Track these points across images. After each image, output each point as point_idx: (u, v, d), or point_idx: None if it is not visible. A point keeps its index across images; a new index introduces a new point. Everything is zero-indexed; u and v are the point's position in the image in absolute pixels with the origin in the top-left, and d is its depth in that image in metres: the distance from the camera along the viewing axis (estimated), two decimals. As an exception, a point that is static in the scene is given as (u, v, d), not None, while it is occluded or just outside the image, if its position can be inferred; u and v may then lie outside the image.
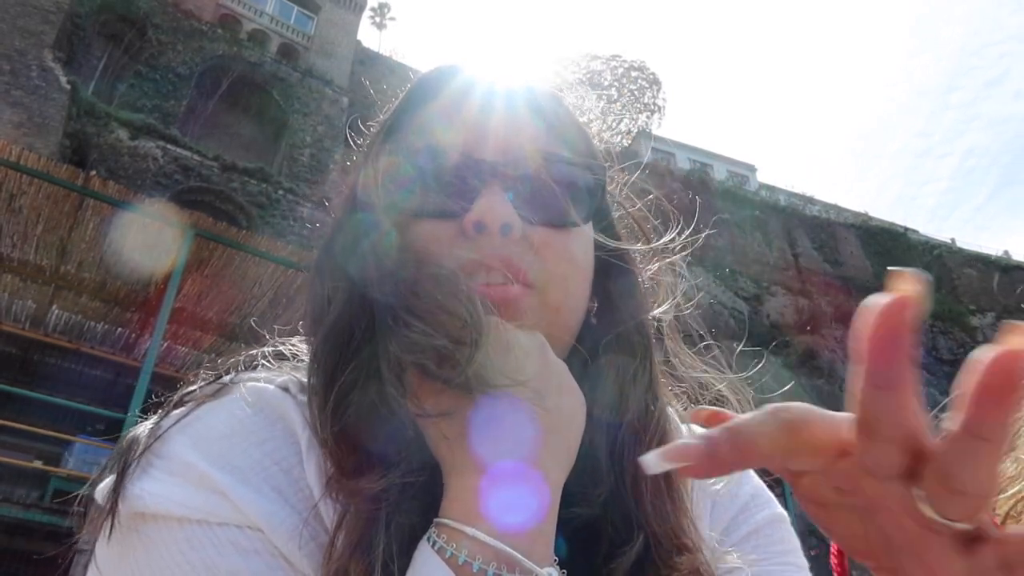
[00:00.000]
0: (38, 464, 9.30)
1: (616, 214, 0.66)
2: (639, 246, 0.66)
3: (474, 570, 0.42)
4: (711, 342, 0.68)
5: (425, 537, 0.44)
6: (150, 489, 0.47)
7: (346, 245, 0.58)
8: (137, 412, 0.58)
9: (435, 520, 0.45)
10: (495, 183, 0.54)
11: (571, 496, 0.51)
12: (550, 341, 0.52)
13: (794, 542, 0.64)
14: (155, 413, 0.56)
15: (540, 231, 0.55)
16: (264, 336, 0.64)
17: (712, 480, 0.64)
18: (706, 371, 0.66)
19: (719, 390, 0.66)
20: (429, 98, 0.61)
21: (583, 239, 0.58)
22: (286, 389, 0.55)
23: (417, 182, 0.56)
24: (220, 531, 0.46)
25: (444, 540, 0.43)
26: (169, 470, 0.48)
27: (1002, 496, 0.99)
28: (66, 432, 9.63)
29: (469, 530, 0.43)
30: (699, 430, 0.68)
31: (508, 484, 0.44)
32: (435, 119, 0.59)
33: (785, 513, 0.66)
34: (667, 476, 0.56)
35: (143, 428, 0.54)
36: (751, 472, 0.66)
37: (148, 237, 7.79)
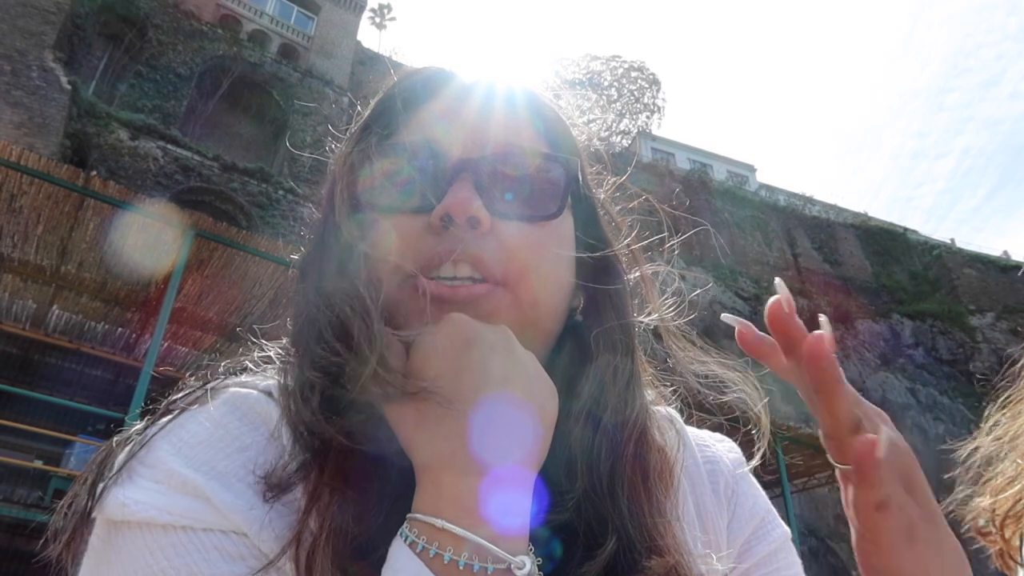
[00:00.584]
0: (38, 464, 9.30)
1: (602, 213, 0.65)
2: (623, 244, 0.65)
3: (445, 561, 0.42)
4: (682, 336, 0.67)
5: (398, 533, 0.44)
6: (134, 496, 0.47)
7: (316, 246, 0.59)
8: (136, 413, 0.58)
9: (407, 516, 0.45)
10: (466, 177, 0.54)
11: (547, 499, 0.51)
12: (527, 336, 0.52)
13: (798, 558, 0.66)
14: (148, 417, 0.56)
15: (511, 225, 0.55)
16: (262, 338, 0.64)
17: (728, 490, 0.65)
18: (716, 365, 0.65)
19: (726, 390, 0.66)
20: (404, 96, 0.61)
21: (560, 234, 0.58)
22: (269, 393, 0.55)
23: (391, 178, 0.56)
24: (205, 537, 0.46)
25: (416, 535, 0.43)
26: (153, 477, 0.48)
27: (1001, 496, 0.99)
28: (67, 432, 9.63)
29: (439, 523, 0.43)
30: (691, 431, 0.68)
31: (480, 477, 0.44)
32: (409, 116, 0.59)
33: (789, 530, 0.67)
34: (644, 476, 0.55)
35: (126, 435, 0.54)
36: (760, 488, 0.68)
37: (148, 237, 7.79)
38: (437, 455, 0.46)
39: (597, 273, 0.62)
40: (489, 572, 0.42)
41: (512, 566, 0.42)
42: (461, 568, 0.42)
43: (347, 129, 0.66)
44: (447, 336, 0.48)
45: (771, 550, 0.64)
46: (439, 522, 0.43)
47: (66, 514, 0.52)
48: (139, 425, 0.55)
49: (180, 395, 0.57)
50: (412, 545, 0.43)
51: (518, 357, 0.50)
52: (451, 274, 0.52)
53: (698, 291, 0.70)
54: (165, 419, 0.53)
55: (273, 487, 0.48)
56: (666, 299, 0.67)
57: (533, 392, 0.49)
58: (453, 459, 0.45)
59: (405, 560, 0.42)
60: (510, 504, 0.45)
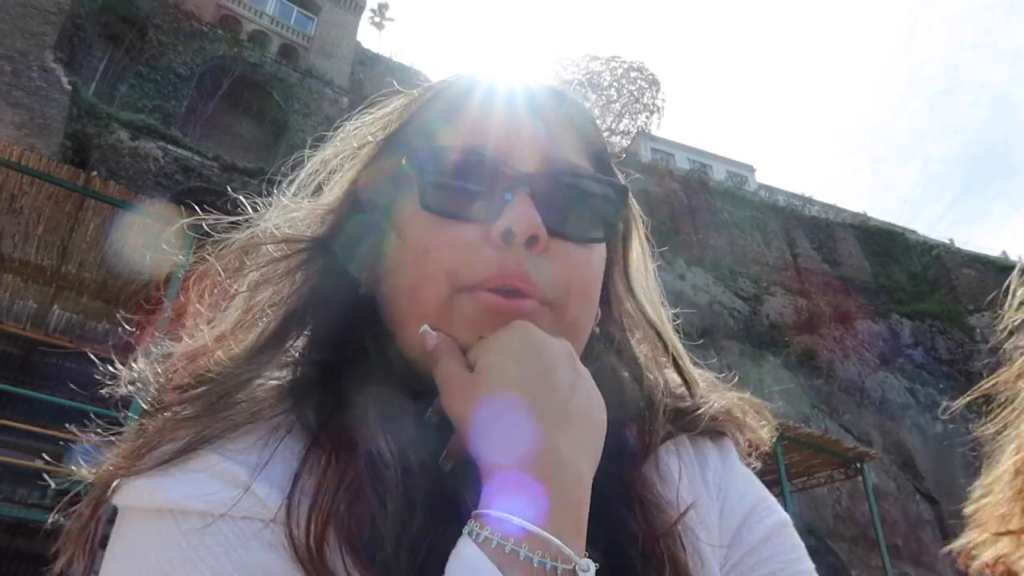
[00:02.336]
0: (39, 464, 9.28)
1: (629, 229, 0.66)
2: (638, 252, 0.67)
3: (520, 558, 0.42)
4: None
5: (466, 531, 0.44)
6: (171, 484, 0.47)
7: (354, 244, 0.59)
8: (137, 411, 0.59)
9: (474, 513, 0.45)
10: (526, 193, 0.53)
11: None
12: None
13: (801, 546, 0.63)
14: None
15: (564, 245, 0.55)
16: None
17: (717, 478, 0.64)
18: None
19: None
20: (461, 105, 0.60)
21: (601, 254, 0.59)
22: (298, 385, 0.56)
23: (452, 182, 0.55)
24: (244, 525, 0.46)
25: (489, 532, 0.43)
26: (187, 467, 0.48)
27: (1003, 496, 0.98)
28: (67, 432, 9.61)
29: (514, 520, 0.43)
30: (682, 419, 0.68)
31: (543, 480, 0.45)
32: (470, 125, 0.58)
33: (789, 517, 0.65)
34: (644, 485, 0.57)
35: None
36: (755, 478, 0.67)
37: (149, 237, 7.80)
38: (508, 454, 0.46)
39: (614, 281, 0.64)
40: (560, 572, 0.42)
41: (577, 567, 0.43)
42: (535, 566, 0.42)
43: (349, 118, 0.65)
44: (518, 340, 0.49)
45: (763, 536, 0.61)
46: (514, 520, 0.43)
47: (86, 503, 0.53)
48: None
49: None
50: (485, 542, 0.43)
51: (580, 371, 0.51)
52: (504, 291, 0.53)
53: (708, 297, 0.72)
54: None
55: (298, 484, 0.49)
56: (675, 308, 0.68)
57: (590, 403, 0.50)
58: (523, 459, 0.45)
59: (474, 555, 0.42)
60: (573, 507, 0.45)
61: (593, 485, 0.49)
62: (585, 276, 0.56)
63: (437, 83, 0.63)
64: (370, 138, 0.63)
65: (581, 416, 0.49)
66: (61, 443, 9.54)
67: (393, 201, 0.58)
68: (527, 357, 0.48)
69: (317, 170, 0.65)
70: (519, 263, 0.52)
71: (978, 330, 27.37)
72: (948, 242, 35.04)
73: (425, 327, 0.53)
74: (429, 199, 0.55)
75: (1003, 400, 1.01)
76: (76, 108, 16.51)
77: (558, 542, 0.43)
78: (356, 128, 0.65)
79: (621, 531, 0.53)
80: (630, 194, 0.65)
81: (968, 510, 1.00)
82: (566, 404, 0.48)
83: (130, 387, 0.58)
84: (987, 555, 0.96)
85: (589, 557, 0.47)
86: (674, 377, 0.66)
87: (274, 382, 0.57)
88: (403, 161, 0.57)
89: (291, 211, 0.64)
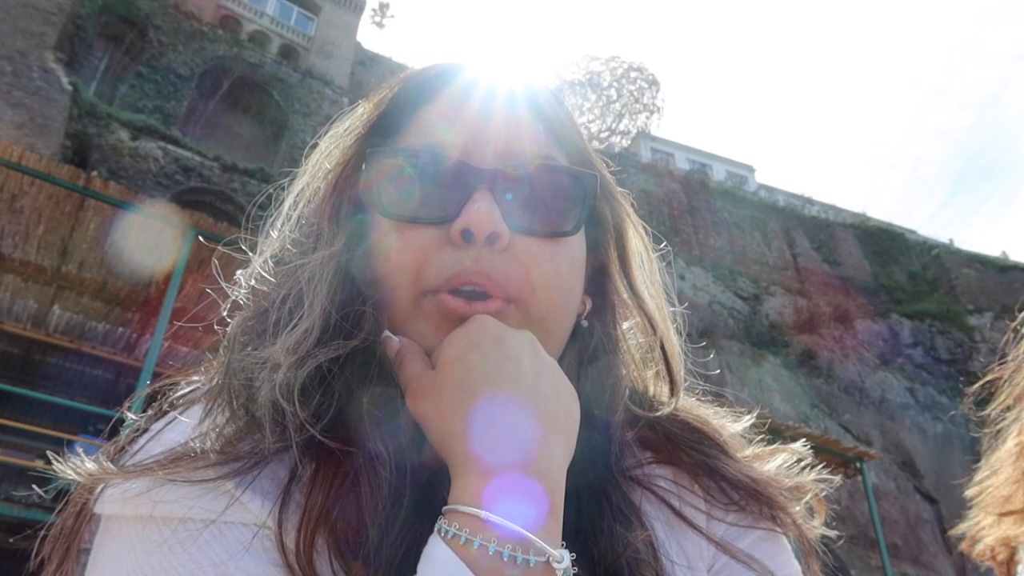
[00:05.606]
0: (40, 464, 9.30)
1: (611, 216, 0.64)
2: (634, 249, 0.65)
3: (490, 553, 0.41)
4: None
5: (436, 528, 0.44)
6: (156, 492, 0.46)
7: (313, 246, 0.58)
8: (137, 409, 0.59)
9: (444, 509, 0.44)
10: (485, 189, 0.53)
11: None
12: None
13: (789, 549, 0.62)
14: (150, 412, 0.55)
15: (528, 241, 0.54)
16: None
17: (703, 494, 0.62)
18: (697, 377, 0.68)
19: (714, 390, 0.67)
20: (425, 98, 0.59)
21: (573, 247, 0.57)
22: None
23: (404, 185, 0.54)
24: (227, 530, 0.45)
25: (457, 528, 0.42)
26: (174, 474, 0.47)
27: (1006, 477, 0.98)
28: (68, 432, 9.63)
29: (482, 514, 0.42)
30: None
31: (515, 474, 0.44)
32: (430, 120, 0.57)
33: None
34: (623, 489, 0.57)
35: (135, 430, 0.53)
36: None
37: (149, 237, 7.80)
38: (476, 447, 0.45)
39: (607, 278, 0.63)
40: (531, 565, 0.41)
41: (551, 559, 0.42)
42: (505, 560, 0.41)
43: (338, 122, 0.63)
44: (477, 333, 0.48)
45: (752, 540, 0.60)
46: (483, 513, 0.42)
47: (71, 511, 0.51)
48: (146, 420, 0.54)
49: (188, 390, 0.57)
50: (454, 539, 0.42)
51: (542, 361, 0.50)
52: (468, 290, 0.52)
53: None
54: (174, 414, 0.53)
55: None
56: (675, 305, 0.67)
57: (558, 394, 0.49)
58: (491, 451, 0.45)
59: (443, 553, 0.41)
60: (545, 501, 0.44)
61: (568, 486, 0.47)
62: (551, 272, 0.54)
63: (395, 83, 0.61)
64: (337, 159, 0.61)
65: (550, 401, 0.48)
66: (63, 443, 9.56)
67: (365, 216, 0.57)
68: (488, 347, 0.48)
69: (295, 201, 0.64)
70: (480, 262, 0.51)
71: (978, 330, 27.36)
72: (948, 242, 35.03)
73: (387, 333, 0.53)
74: (389, 206, 0.54)
75: (1006, 384, 1.01)
76: (76, 108, 16.51)
77: (527, 534, 0.42)
78: (327, 150, 0.63)
79: (592, 539, 0.53)
80: (614, 185, 0.64)
81: (971, 491, 1.01)
82: (533, 390, 0.47)
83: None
84: (990, 538, 0.96)
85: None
86: (660, 386, 0.64)
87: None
88: (363, 168, 0.57)
89: (279, 242, 0.64)
